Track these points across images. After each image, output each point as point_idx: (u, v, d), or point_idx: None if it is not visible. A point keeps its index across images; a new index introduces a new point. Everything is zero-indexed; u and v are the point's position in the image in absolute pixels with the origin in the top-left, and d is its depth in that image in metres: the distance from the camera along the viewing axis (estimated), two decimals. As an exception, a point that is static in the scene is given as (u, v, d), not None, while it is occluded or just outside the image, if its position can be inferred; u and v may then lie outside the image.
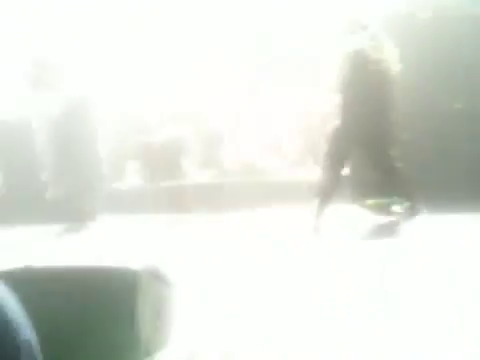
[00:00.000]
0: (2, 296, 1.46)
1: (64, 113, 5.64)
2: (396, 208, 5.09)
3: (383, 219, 4.98)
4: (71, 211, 5.81)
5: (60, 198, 5.91)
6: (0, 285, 1.43)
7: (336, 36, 4.83)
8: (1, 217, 5.75)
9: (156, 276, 2.53)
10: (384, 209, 5.17)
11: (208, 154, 6.51)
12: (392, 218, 4.99)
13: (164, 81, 6.66)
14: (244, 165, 6.39)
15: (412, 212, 4.81)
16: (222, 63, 6.77)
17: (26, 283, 2.32)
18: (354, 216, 5.10)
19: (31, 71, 5.68)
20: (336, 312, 2.86)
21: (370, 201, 5.45)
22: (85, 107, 5.66)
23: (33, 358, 1.47)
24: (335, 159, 4.69)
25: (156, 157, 5.69)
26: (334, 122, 4.74)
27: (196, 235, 5.04)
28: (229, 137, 6.61)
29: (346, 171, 5.12)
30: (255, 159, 6.37)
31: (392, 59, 4.63)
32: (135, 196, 6.08)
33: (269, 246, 4.36)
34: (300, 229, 4.68)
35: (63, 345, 2.29)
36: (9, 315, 1.45)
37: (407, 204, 4.90)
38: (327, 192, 4.71)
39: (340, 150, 4.67)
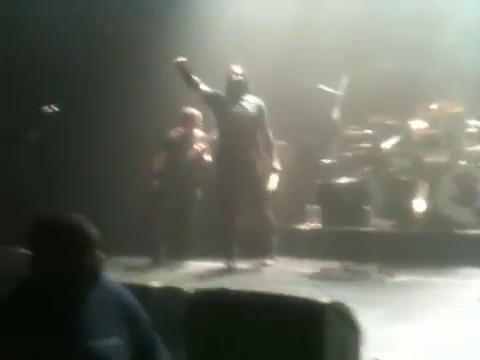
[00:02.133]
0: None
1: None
2: None
3: None
4: (250, 247, 5.97)
5: (241, 233, 6.12)
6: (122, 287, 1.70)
7: None
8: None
9: (343, 316, 2.39)
10: None
11: (391, 201, 6.22)
12: None
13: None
14: (430, 216, 5.96)
15: None
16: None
17: (221, 303, 2.37)
18: None
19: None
20: None
21: None
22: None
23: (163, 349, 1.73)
24: None
25: (336, 201, 5.60)
26: None
27: (377, 294, 4.73)
28: (413, 185, 6.25)
29: None
30: (443, 210, 5.91)
31: None
32: (313, 240, 6.02)
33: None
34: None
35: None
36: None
37: None
38: None
39: None
